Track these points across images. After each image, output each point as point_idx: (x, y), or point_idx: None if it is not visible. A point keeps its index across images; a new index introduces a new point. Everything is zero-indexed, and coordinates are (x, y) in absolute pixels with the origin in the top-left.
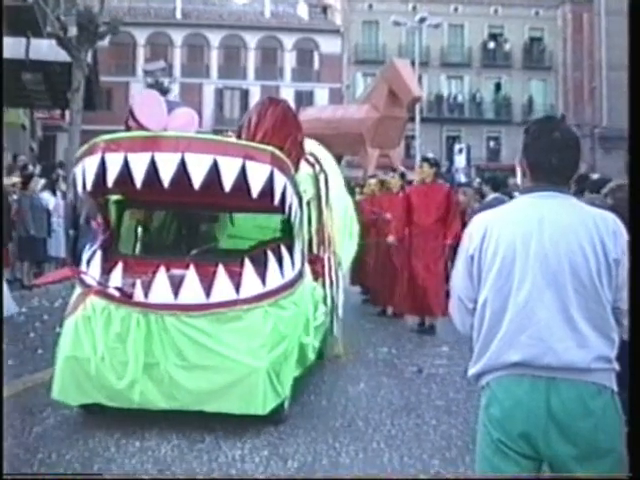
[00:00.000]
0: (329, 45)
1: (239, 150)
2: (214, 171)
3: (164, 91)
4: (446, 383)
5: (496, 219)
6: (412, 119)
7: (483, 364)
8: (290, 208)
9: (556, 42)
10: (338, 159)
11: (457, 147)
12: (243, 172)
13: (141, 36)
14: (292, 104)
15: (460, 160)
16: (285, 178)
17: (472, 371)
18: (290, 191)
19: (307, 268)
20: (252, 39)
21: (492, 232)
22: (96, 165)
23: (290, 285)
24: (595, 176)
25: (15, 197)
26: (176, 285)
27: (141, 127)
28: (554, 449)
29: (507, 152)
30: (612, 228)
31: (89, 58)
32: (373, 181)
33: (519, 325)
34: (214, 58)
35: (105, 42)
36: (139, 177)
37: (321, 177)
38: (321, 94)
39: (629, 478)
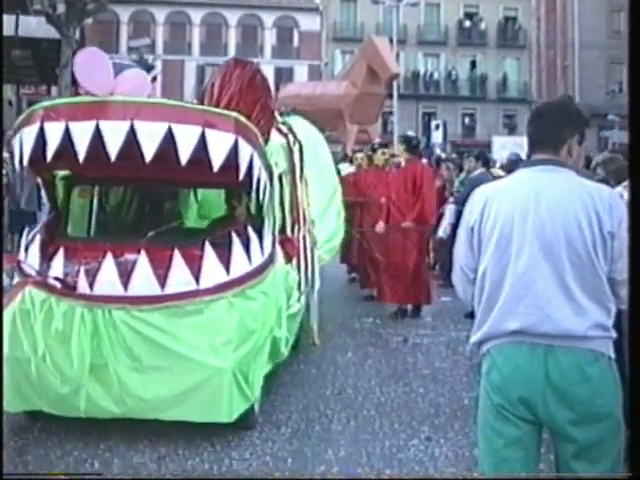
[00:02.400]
0: (308, 23)
1: (197, 116)
2: (169, 141)
3: (148, 67)
4: (431, 352)
5: (496, 192)
6: (390, 96)
7: (484, 332)
8: (258, 183)
9: (530, 21)
10: None
11: (434, 123)
12: (203, 142)
13: (124, 14)
14: (272, 81)
15: (437, 136)
16: (252, 149)
17: (474, 339)
18: (258, 164)
19: (279, 251)
20: (233, 17)
21: (492, 204)
22: (34, 136)
23: (259, 272)
24: None
25: (4, 172)
26: (126, 274)
27: (87, 92)
28: (552, 414)
29: (482, 128)
30: (607, 201)
31: (77, 35)
32: (360, 155)
33: (517, 295)
34: (196, 35)
35: (89, 20)
36: (82, 149)
37: (295, 148)
38: (300, 71)
39: (629, 478)
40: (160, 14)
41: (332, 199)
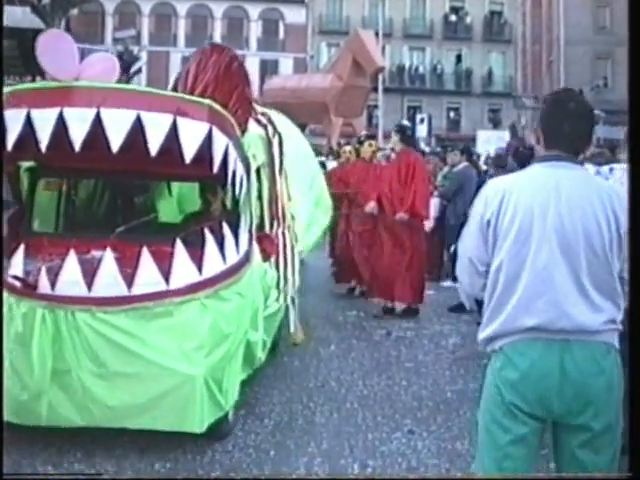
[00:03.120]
0: (294, 15)
1: (169, 104)
2: (137, 130)
3: (133, 59)
4: (414, 346)
5: (514, 185)
6: (375, 89)
7: (495, 328)
8: (234, 176)
9: (516, 16)
10: (302, 127)
11: (419, 117)
12: (174, 131)
13: (110, 5)
14: (257, 73)
15: (422, 130)
16: (227, 139)
17: (483, 335)
18: (233, 155)
19: (256, 248)
20: (218, 9)
21: (510, 198)
22: None
23: (233, 271)
24: None
25: None
26: (90, 273)
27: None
28: (569, 406)
29: (466, 122)
30: (624, 203)
31: (62, 25)
32: (348, 148)
33: (536, 290)
34: (181, 27)
35: (74, 11)
36: (44, 138)
37: (275, 140)
38: (286, 64)
39: (629, 478)
40: (146, 5)
41: (310, 188)
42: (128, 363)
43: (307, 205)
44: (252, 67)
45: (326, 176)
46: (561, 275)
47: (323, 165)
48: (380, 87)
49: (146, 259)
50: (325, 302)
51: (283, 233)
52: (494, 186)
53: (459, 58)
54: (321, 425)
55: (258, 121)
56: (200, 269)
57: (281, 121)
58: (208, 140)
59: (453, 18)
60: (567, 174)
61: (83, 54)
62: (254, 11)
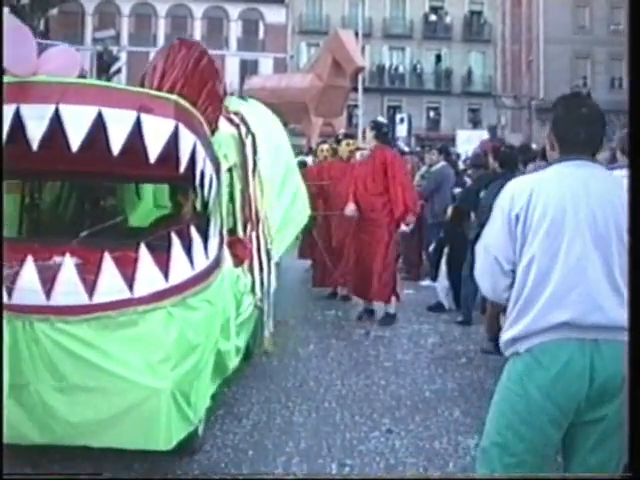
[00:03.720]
0: (274, 15)
1: (132, 99)
2: (99, 128)
3: (113, 59)
4: (393, 345)
5: (542, 181)
6: (355, 89)
7: (523, 327)
8: (202, 177)
9: (495, 16)
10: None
11: (398, 117)
12: (138, 129)
13: (89, 5)
14: (237, 73)
15: (401, 129)
16: (195, 137)
17: (507, 336)
18: (202, 154)
19: (226, 253)
20: (198, 9)
21: (539, 193)
22: None
23: (202, 278)
24: (534, 146)
25: None
26: (49, 280)
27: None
28: (594, 406)
29: (446, 122)
30: None
31: (42, 26)
32: (325, 147)
33: (569, 283)
34: (161, 27)
35: (54, 11)
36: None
37: (248, 140)
38: (266, 63)
39: (629, 478)
40: (125, 6)
41: (283, 185)
42: (90, 376)
43: (282, 205)
44: (232, 67)
45: (302, 174)
46: (594, 268)
47: (304, 164)
48: (360, 87)
49: (108, 265)
50: (304, 302)
51: (257, 236)
52: (519, 183)
53: (439, 58)
54: (299, 425)
55: (230, 120)
56: (166, 276)
57: (259, 113)
58: (174, 138)
59: (433, 18)
60: (592, 172)
61: (43, 48)
62: (234, 11)
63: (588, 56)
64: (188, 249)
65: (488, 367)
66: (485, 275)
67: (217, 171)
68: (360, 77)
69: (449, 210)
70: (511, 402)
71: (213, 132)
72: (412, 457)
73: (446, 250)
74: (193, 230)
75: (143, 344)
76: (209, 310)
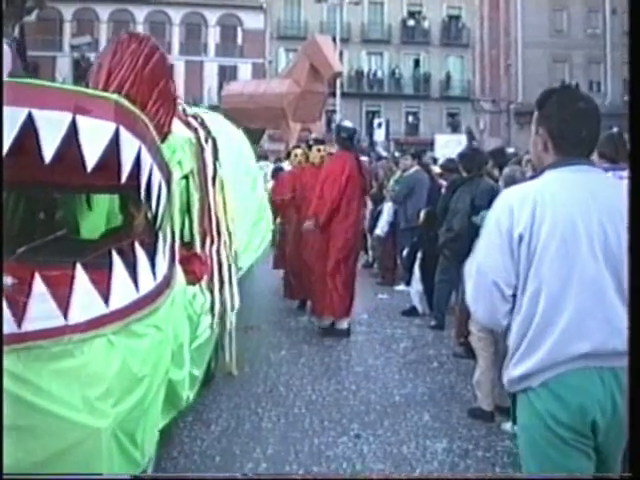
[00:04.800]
0: (252, 21)
1: (66, 99)
2: (29, 131)
3: (90, 65)
4: (365, 350)
5: (544, 193)
6: (333, 94)
7: (537, 362)
8: (148, 187)
9: (473, 20)
10: (260, 133)
11: (376, 121)
12: (73, 132)
13: (67, 11)
14: (216, 79)
15: (379, 134)
16: (139, 142)
17: (517, 372)
18: (148, 161)
19: (179, 271)
20: (177, 15)
21: (544, 207)
22: None
23: (149, 301)
24: (511, 150)
25: None
26: None
27: None
28: (614, 441)
29: (425, 127)
30: None
31: (16, 32)
32: (299, 151)
33: (586, 308)
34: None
35: (32, 17)
36: None
37: (208, 146)
38: (244, 69)
39: (629, 478)
40: (104, 12)
41: (252, 194)
42: (20, 414)
43: (248, 216)
44: (211, 73)
45: (276, 182)
46: (609, 287)
47: (281, 170)
48: (338, 92)
49: (39, 287)
50: (277, 307)
51: (218, 251)
52: (517, 195)
53: (417, 62)
54: (268, 430)
55: (188, 124)
56: (106, 299)
57: (217, 122)
58: (115, 143)
59: (411, 23)
60: (596, 178)
61: None
62: (212, 17)
63: (566, 60)
64: (132, 268)
65: (459, 371)
66: (481, 301)
67: (168, 180)
68: (338, 82)
69: (422, 214)
70: (545, 439)
71: (165, 136)
72: (379, 462)
73: (419, 255)
74: (138, 247)
75: (80, 378)
76: (157, 337)
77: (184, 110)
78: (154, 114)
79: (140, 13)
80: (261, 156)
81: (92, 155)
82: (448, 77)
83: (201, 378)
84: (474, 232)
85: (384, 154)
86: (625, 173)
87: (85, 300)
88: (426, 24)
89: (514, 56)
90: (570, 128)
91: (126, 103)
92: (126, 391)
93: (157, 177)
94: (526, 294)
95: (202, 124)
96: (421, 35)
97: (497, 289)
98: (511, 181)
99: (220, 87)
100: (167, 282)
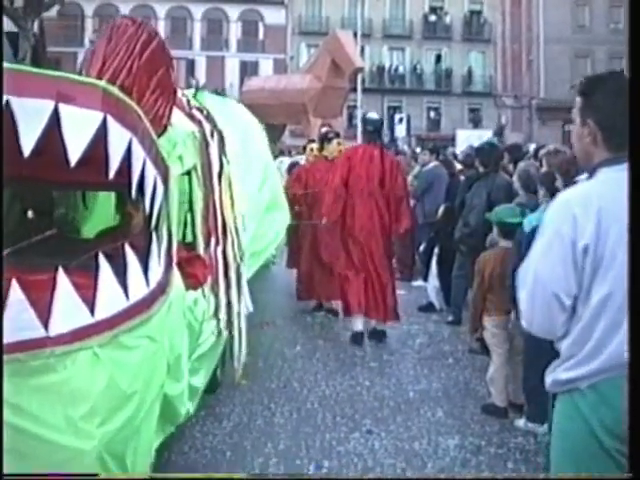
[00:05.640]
0: (273, 16)
1: (48, 86)
2: (8, 121)
3: None
4: (380, 345)
5: (607, 197)
6: (354, 89)
7: (592, 368)
8: (142, 184)
9: (495, 15)
10: (282, 128)
11: (397, 117)
12: (56, 122)
13: (89, 7)
14: (237, 74)
15: (400, 130)
16: (130, 133)
17: (570, 375)
18: (140, 155)
19: (177, 275)
20: (198, 10)
21: (609, 214)
22: None
23: (141, 309)
24: (533, 146)
25: None
26: None
27: None
28: None
29: (446, 122)
30: None
31: (35, 28)
32: (314, 145)
33: None
34: (160, 29)
35: (53, 13)
36: None
37: (213, 140)
38: (266, 65)
39: (629, 478)
40: (125, 8)
41: (260, 190)
42: None
43: (257, 213)
44: (232, 68)
45: (290, 177)
46: None
47: (297, 164)
48: (359, 87)
49: (16, 295)
50: (293, 302)
51: (224, 252)
52: (579, 200)
53: (439, 58)
54: (280, 426)
55: (191, 116)
56: (92, 308)
57: (232, 112)
58: (102, 134)
59: (433, 18)
60: None
61: None
62: (233, 12)
63: (588, 55)
64: (122, 274)
65: (474, 367)
66: (538, 312)
67: (164, 176)
68: (360, 78)
69: (440, 210)
70: (584, 446)
71: (165, 128)
72: (390, 458)
73: (436, 250)
74: (128, 249)
75: (62, 395)
76: (150, 348)
77: (188, 102)
78: (152, 105)
79: (161, 9)
80: (282, 151)
81: (76, 148)
82: (470, 72)
83: (204, 388)
84: (489, 228)
85: (406, 149)
86: None
87: (68, 308)
88: (448, 19)
89: (536, 51)
90: (624, 120)
91: (115, 90)
92: (114, 409)
93: (151, 173)
94: (589, 303)
95: (208, 117)
96: (443, 30)
97: (557, 301)
98: (525, 176)
99: (241, 83)
100: (162, 288)
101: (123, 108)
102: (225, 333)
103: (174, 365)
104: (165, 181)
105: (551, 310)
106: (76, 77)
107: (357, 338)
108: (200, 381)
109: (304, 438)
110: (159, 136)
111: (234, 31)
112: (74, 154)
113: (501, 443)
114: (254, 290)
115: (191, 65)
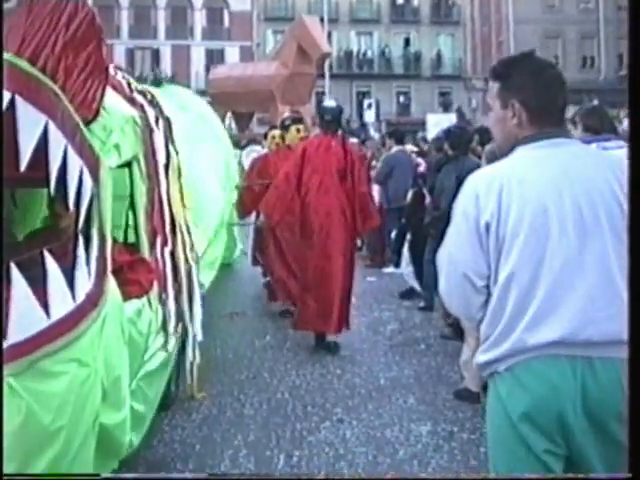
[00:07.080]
0: (239, 3)
1: None
2: None
3: None
4: (351, 333)
5: (511, 175)
6: (322, 75)
7: (506, 349)
8: (62, 178)
9: None
10: (249, 116)
11: (366, 102)
12: None
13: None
14: (203, 63)
15: (369, 115)
16: (45, 117)
17: (485, 357)
18: (60, 143)
19: (113, 284)
20: None
21: (511, 191)
22: None
23: (65, 328)
24: None
25: None
26: None
27: None
28: (585, 444)
29: (417, 106)
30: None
31: None
32: (277, 132)
33: (557, 296)
34: (124, 18)
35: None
36: None
37: (158, 127)
38: (232, 52)
39: (629, 478)
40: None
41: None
42: None
43: (217, 209)
44: (198, 57)
45: (249, 168)
46: (584, 274)
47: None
48: (327, 73)
49: None
50: (263, 294)
51: (172, 253)
52: (483, 179)
53: (407, 42)
54: (249, 417)
55: (132, 100)
56: (3, 330)
57: (183, 99)
58: (11, 118)
59: (400, 1)
60: (572, 152)
61: None
62: (198, 0)
63: (559, 35)
64: (41, 287)
65: (446, 353)
66: (454, 293)
67: (94, 168)
68: (327, 63)
69: (409, 194)
70: (504, 431)
71: (97, 113)
72: (362, 446)
73: (408, 236)
74: (48, 257)
75: None
76: (79, 373)
77: (129, 84)
78: (81, 85)
79: None
80: (251, 140)
81: None
82: (439, 56)
83: (153, 412)
84: None
85: (376, 135)
86: (609, 144)
87: None
88: (415, 2)
89: (506, 33)
90: (548, 97)
91: (25, 65)
92: (32, 451)
93: (76, 164)
94: (497, 286)
95: (152, 102)
96: (411, 14)
97: (468, 281)
98: (492, 157)
99: (207, 71)
100: (92, 301)
101: (35, 86)
102: (176, 346)
103: (112, 390)
104: (95, 174)
105: (465, 291)
106: None
107: (319, 341)
108: (142, 406)
109: (274, 429)
110: (91, 122)
111: (199, 19)
112: None
113: (474, 428)
114: (223, 279)
115: (156, 54)
